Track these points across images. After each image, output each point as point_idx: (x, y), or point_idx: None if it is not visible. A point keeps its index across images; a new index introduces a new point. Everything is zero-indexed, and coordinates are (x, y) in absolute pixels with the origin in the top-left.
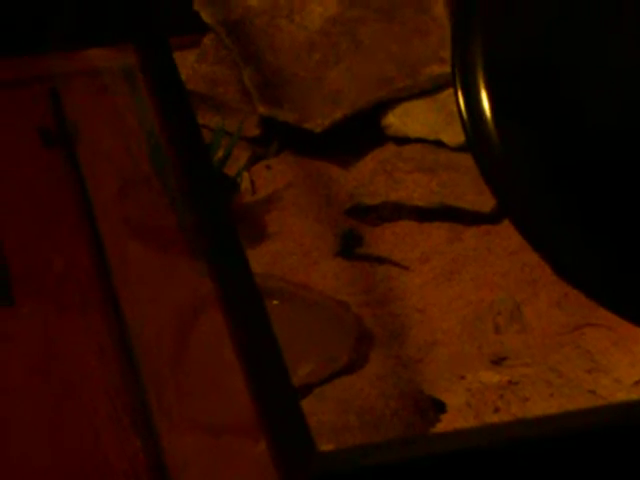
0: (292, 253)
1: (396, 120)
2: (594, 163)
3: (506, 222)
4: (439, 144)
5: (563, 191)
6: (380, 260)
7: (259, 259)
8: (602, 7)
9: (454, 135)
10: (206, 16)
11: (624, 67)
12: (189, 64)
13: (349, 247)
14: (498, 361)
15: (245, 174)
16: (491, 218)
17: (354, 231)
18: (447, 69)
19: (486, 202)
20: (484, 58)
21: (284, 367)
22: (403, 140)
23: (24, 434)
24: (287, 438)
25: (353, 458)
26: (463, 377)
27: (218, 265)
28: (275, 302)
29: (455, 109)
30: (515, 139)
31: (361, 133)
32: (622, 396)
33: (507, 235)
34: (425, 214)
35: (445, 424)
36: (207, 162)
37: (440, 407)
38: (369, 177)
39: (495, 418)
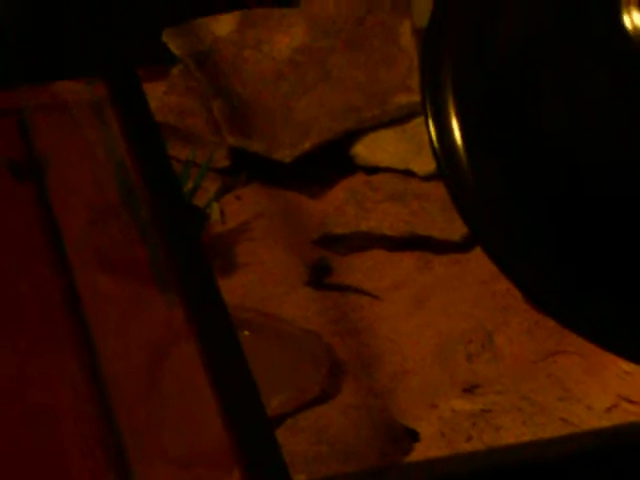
0: (263, 284)
1: (364, 149)
2: (564, 190)
3: (476, 250)
4: (409, 173)
5: (534, 218)
6: (350, 289)
7: (230, 290)
8: (570, 35)
9: (423, 164)
10: (174, 47)
11: (594, 95)
12: (158, 95)
13: (319, 277)
14: (470, 389)
15: (215, 205)
16: (461, 246)
17: (324, 261)
18: (415, 98)
19: (456, 231)
20: (454, 87)
21: (258, 397)
22: (373, 169)
23: None
24: (262, 468)
25: None
26: (435, 406)
27: (191, 296)
28: (246, 333)
29: (424, 138)
30: (486, 167)
31: (330, 163)
32: (594, 423)
33: (477, 263)
34: (395, 243)
35: (418, 453)
36: (178, 194)
37: (413, 436)
38: (339, 207)
39: (468, 446)
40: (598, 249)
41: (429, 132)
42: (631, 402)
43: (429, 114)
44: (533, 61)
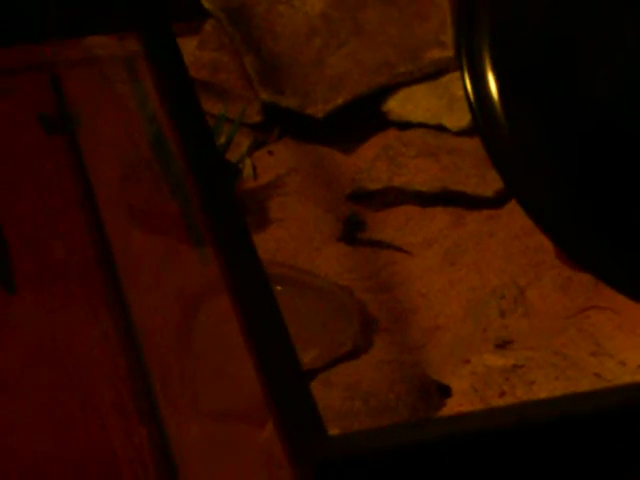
0: (295, 239)
1: (397, 105)
2: (603, 142)
3: (509, 206)
4: (441, 129)
5: (571, 172)
6: (383, 245)
7: (262, 245)
8: None
9: (456, 119)
10: (207, 2)
11: (630, 47)
12: (190, 51)
13: (352, 232)
14: (503, 345)
15: (247, 160)
16: (494, 202)
17: (356, 216)
18: (448, 53)
19: (488, 186)
20: (490, 39)
21: (293, 351)
22: (405, 125)
23: (28, 423)
24: (297, 421)
25: (363, 442)
26: (468, 361)
27: (225, 250)
28: (279, 288)
29: (456, 94)
30: (523, 120)
31: (363, 118)
32: (627, 379)
33: (510, 219)
34: (427, 199)
35: (450, 408)
36: (212, 147)
37: (445, 391)
38: (371, 162)
39: (500, 402)
40: (635, 202)
41: (464, 83)
42: None
43: (464, 66)
44: (576, 6)
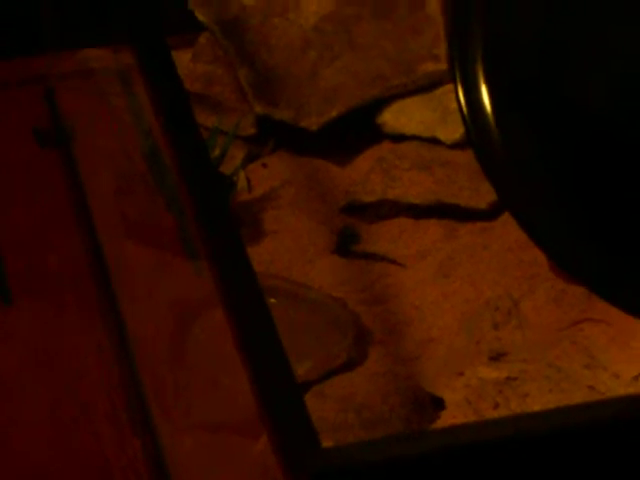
0: (289, 251)
1: (391, 118)
2: (598, 154)
3: (502, 218)
4: (435, 141)
5: (565, 184)
6: (377, 257)
7: (256, 257)
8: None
9: (450, 132)
10: (201, 15)
11: (626, 56)
12: (184, 64)
13: (346, 245)
14: (496, 357)
15: (241, 173)
16: (487, 215)
17: (350, 229)
18: (441, 66)
19: (482, 199)
20: (483, 52)
21: (287, 362)
22: (399, 137)
23: (23, 433)
24: (291, 433)
25: (357, 454)
26: (461, 373)
27: (219, 262)
28: (273, 300)
29: (450, 106)
30: (516, 132)
31: (357, 131)
32: (621, 391)
33: (503, 232)
34: (421, 211)
35: (444, 421)
36: (207, 160)
37: (439, 404)
38: (365, 175)
39: (494, 414)
40: (630, 213)
41: (457, 96)
42: None
43: (458, 78)
44: (568, 19)
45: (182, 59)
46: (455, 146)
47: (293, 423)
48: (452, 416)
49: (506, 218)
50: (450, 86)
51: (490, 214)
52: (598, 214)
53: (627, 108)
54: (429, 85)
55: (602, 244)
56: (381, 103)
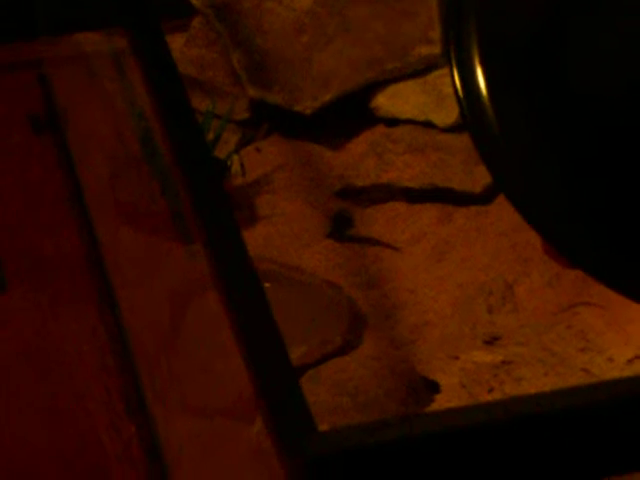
0: (283, 235)
1: (386, 101)
2: (591, 138)
3: (496, 202)
4: (429, 125)
5: (560, 167)
6: (371, 241)
7: (250, 242)
8: None
9: (444, 116)
10: None
11: (622, 39)
12: (178, 48)
13: (340, 229)
14: (491, 341)
15: (235, 157)
16: (481, 199)
17: (345, 213)
18: (436, 50)
19: (476, 183)
20: (478, 34)
21: (283, 346)
22: (393, 121)
23: (17, 420)
24: (287, 417)
25: (353, 437)
26: (456, 357)
27: (215, 246)
28: (267, 285)
29: (444, 90)
30: (512, 116)
31: (351, 115)
32: (615, 374)
33: (498, 215)
34: (415, 195)
35: (438, 404)
36: (203, 144)
37: (434, 387)
38: (359, 159)
39: (489, 398)
40: (625, 198)
41: (453, 79)
42: None
43: (453, 61)
44: (561, 9)
45: (176, 43)
46: (449, 130)
47: (289, 407)
48: (447, 400)
49: (500, 202)
50: (444, 70)
51: (484, 198)
52: (595, 196)
53: (625, 89)
54: (423, 69)
55: (600, 227)
56: (375, 87)
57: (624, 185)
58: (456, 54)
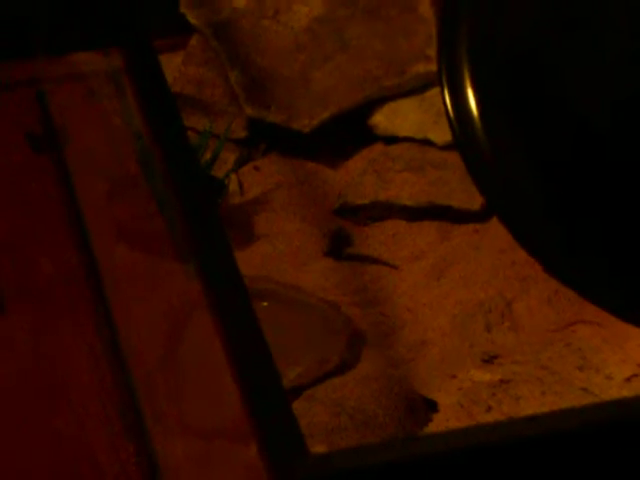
0: (281, 254)
1: (384, 119)
2: (582, 160)
3: (495, 220)
4: (427, 143)
5: (551, 189)
6: (369, 260)
7: (248, 261)
8: (589, 5)
9: (442, 134)
10: (192, 18)
11: (612, 63)
12: (176, 66)
13: (338, 247)
14: (489, 359)
15: (233, 176)
16: (480, 216)
17: (343, 231)
18: (434, 67)
19: (475, 200)
20: (470, 57)
21: (274, 370)
22: (391, 139)
23: (15, 438)
24: (278, 441)
25: (344, 460)
26: (454, 376)
27: (207, 267)
28: (265, 304)
29: (443, 108)
30: (502, 137)
31: (349, 133)
32: (614, 393)
33: (496, 233)
34: (414, 213)
35: (437, 424)
36: (195, 164)
37: (432, 406)
38: (358, 177)
39: (487, 417)
40: (619, 218)
41: (444, 101)
42: None
43: (444, 83)
44: (554, 26)
45: (174, 62)
46: (448, 147)
47: (280, 430)
48: (445, 419)
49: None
50: None
51: (483, 215)
52: (588, 215)
53: (614, 113)
54: (421, 86)
55: (592, 250)
56: (373, 105)
57: (617, 204)
58: (448, 75)
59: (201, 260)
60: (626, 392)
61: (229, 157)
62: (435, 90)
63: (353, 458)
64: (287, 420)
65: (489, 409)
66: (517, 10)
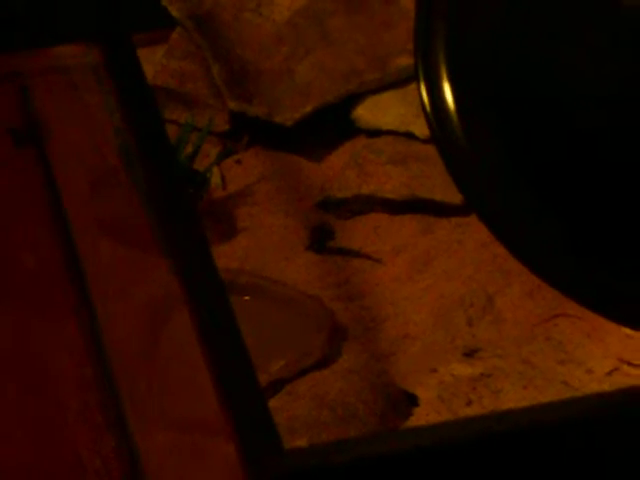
0: (263, 248)
1: (366, 112)
2: (558, 155)
3: None
4: (410, 136)
5: (528, 184)
6: (352, 253)
7: (230, 254)
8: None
9: (424, 127)
10: (174, 10)
11: (588, 58)
12: (157, 60)
13: (320, 241)
14: (470, 353)
15: (215, 169)
16: (462, 210)
17: (325, 225)
18: None
19: (457, 194)
20: (446, 51)
21: (250, 365)
22: (374, 132)
23: None
24: (252, 436)
25: (318, 456)
26: (435, 370)
27: (182, 262)
28: (247, 298)
29: None
30: (479, 132)
31: (331, 126)
32: (595, 387)
33: (478, 227)
34: (396, 207)
35: (418, 417)
36: (171, 158)
37: (413, 400)
38: (340, 170)
39: (468, 411)
40: (596, 214)
41: (420, 96)
42: (632, 365)
43: (421, 77)
44: (531, 20)
45: (155, 55)
46: (430, 141)
47: (254, 425)
48: (426, 413)
49: None
50: None
51: (465, 209)
52: (565, 211)
53: (595, 104)
54: (404, 80)
55: (570, 245)
56: (355, 98)
57: (596, 200)
58: (424, 69)
59: (176, 255)
60: (607, 386)
61: (211, 150)
62: None
63: (326, 453)
64: (262, 415)
65: (469, 403)
66: (494, 3)
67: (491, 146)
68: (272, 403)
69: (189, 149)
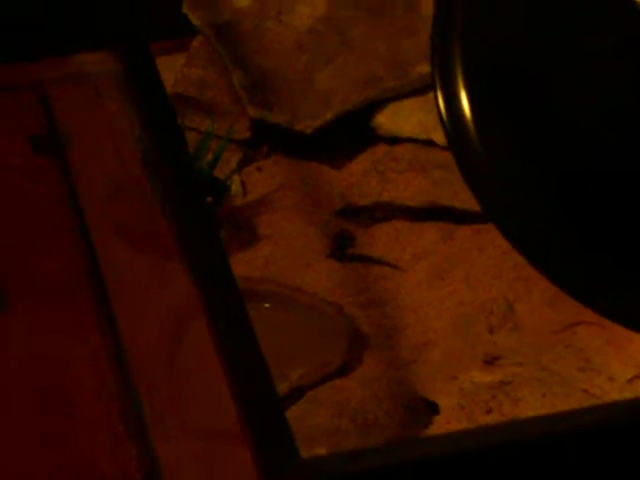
0: (284, 256)
1: (386, 120)
2: (575, 164)
3: None
4: (430, 143)
5: (545, 192)
6: (372, 261)
7: (251, 262)
8: (581, 10)
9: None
10: (195, 19)
11: (604, 67)
12: (178, 67)
13: (341, 248)
14: (491, 361)
15: (236, 177)
16: (483, 217)
17: (346, 232)
18: None
19: None
20: (463, 60)
21: (268, 374)
22: (394, 140)
23: (16, 441)
24: (269, 445)
25: (335, 465)
26: (455, 378)
27: (201, 271)
28: (267, 305)
29: None
30: (496, 140)
31: (352, 133)
32: (615, 394)
33: (499, 234)
34: (417, 214)
35: (438, 426)
36: (190, 166)
37: (433, 408)
38: (360, 177)
39: (488, 419)
40: (613, 223)
41: (437, 103)
42: None
43: (437, 85)
44: (547, 30)
45: (176, 63)
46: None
47: (271, 434)
48: (446, 421)
49: None
50: None
51: (485, 217)
52: (581, 220)
53: (608, 116)
54: (424, 87)
55: (587, 254)
56: (376, 105)
57: (610, 209)
58: (441, 78)
59: (195, 263)
60: (628, 394)
61: (232, 158)
62: None
63: (343, 462)
64: (279, 424)
65: (489, 411)
66: (511, 12)
67: (508, 154)
68: (292, 411)
69: (209, 157)
